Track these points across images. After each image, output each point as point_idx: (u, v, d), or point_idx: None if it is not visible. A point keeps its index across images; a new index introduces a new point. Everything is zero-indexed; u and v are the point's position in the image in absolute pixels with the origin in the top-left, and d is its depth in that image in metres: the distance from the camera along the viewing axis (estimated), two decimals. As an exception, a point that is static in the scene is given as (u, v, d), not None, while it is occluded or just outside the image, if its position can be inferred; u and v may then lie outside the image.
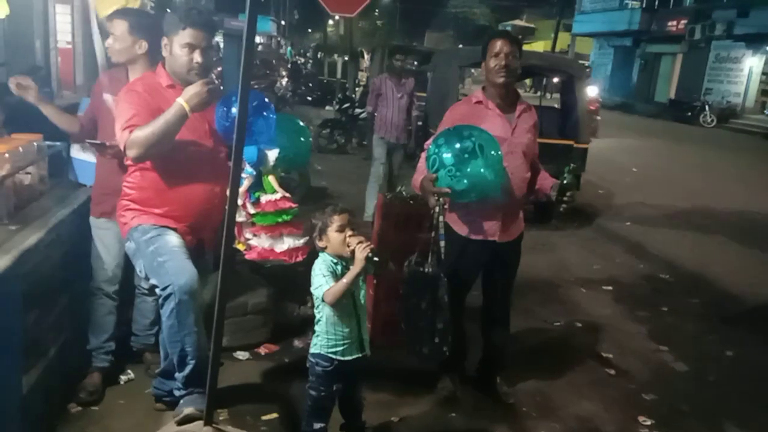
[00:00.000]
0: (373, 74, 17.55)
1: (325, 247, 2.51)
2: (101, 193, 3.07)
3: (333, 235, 2.48)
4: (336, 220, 2.47)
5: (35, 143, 3.05)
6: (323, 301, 2.47)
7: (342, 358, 2.55)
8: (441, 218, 2.88)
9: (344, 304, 2.50)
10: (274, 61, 19.49)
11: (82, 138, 3.13)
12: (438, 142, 2.81)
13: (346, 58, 17.75)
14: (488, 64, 3.04)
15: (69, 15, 4.92)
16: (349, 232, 2.48)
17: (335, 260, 2.52)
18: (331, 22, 29.46)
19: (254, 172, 2.65)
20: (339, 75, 16.40)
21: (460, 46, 13.89)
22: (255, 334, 3.76)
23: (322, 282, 2.47)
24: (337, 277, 2.48)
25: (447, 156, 2.75)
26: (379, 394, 3.24)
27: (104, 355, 3.17)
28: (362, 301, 2.60)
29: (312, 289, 2.51)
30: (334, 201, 6.65)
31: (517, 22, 32.67)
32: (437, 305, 2.88)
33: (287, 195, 2.68)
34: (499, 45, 3.01)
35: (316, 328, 2.57)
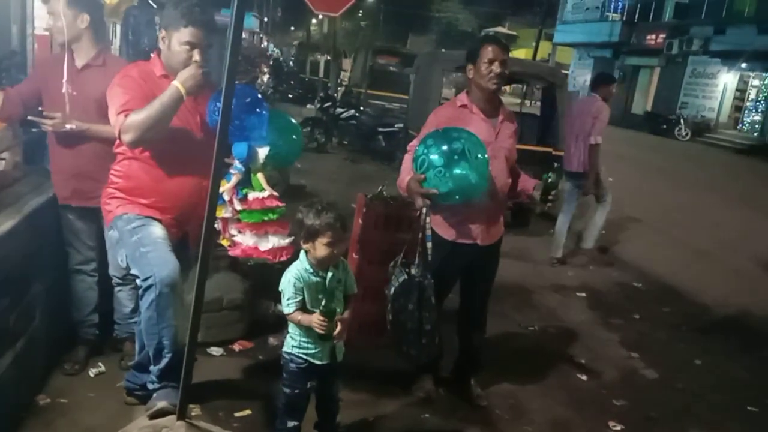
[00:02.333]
0: (355, 74, 17.54)
1: (307, 250, 2.46)
2: (59, 178, 3.07)
3: (320, 247, 2.41)
4: (329, 236, 2.39)
5: (10, 129, 3.00)
6: None
7: (312, 361, 2.54)
8: (428, 219, 2.89)
9: None
10: (255, 58, 19.39)
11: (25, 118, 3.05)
12: (427, 143, 2.81)
13: (329, 58, 17.71)
14: (480, 70, 3.03)
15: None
16: (336, 250, 2.43)
17: (311, 270, 2.46)
18: (314, 20, 29.40)
19: (243, 169, 2.63)
20: (321, 74, 16.34)
21: (443, 50, 13.94)
22: (230, 330, 3.73)
23: (287, 301, 2.46)
24: (304, 292, 2.45)
25: (435, 157, 2.75)
26: (355, 394, 3.23)
27: (88, 328, 3.26)
28: (339, 312, 2.55)
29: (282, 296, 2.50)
30: (315, 200, 6.62)
31: (500, 29, 32.89)
32: (424, 307, 2.89)
33: (275, 194, 2.66)
34: (493, 51, 3.01)
35: (290, 328, 2.56)
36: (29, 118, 2.96)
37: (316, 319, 2.39)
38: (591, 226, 6.65)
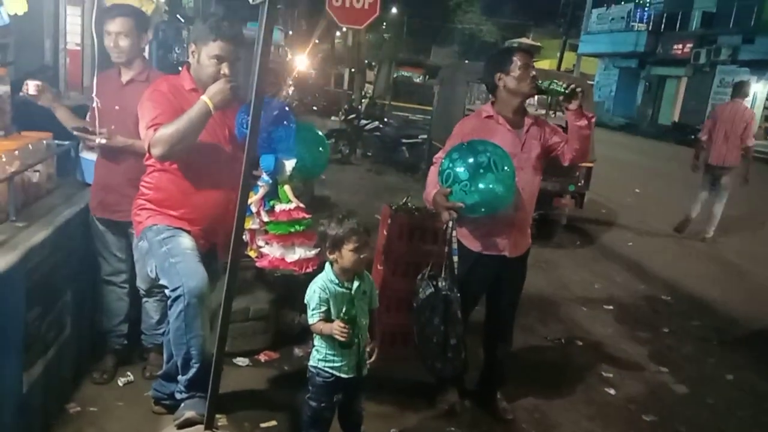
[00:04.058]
0: (379, 86, 17.63)
1: (335, 260, 2.49)
2: (93, 189, 3.15)
3: (347, 254, 2.44)
4: (354, 241, 2.42)
5: (44, 141, 3.07)
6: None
7: (338, 375, 2.54)
8: (454, 233, 2.89)
9: None
10: (280, 71, 19.58)
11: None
12: (452, 157, 2.81)
13: (353, 70, 17.83)
14: (515, 74, 3.03)
15: (79, 17, 4.95)
16: (363, 255, 2.45)
17: (337, 281, 2.48)
18: (338, 33, 29.62)
19: (270, 181, 2.66)
20: (345, 86, 16.46)
21: (466, 61, 13.98)
22: (256, 340, 3.75)
23: (312, 311, 2.48)
24: (329, 303, 2.46)
25: (461, 171, 2.75)
26: (380, 406, 3.23)
27: (116, 338, 3.32)
28: (364, 324, 2.57)
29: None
30: (335, 210, 6.65)
31: (524, 39, 32.76)
32: (450, 321, 2.88)
33: (301, 205, 2.68)
34: (526, 57, 3.05)
35: (315, 341, 2.57)
36: (75, 133, 3.03)
37: (336, 326, 2.41)
38: (713, 215, 7.91)
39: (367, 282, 2.59)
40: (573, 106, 2.93)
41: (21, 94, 2.98)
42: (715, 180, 7.77)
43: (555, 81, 2.96)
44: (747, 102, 8.47)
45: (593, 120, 3.02)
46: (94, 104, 3.02)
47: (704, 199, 7.93)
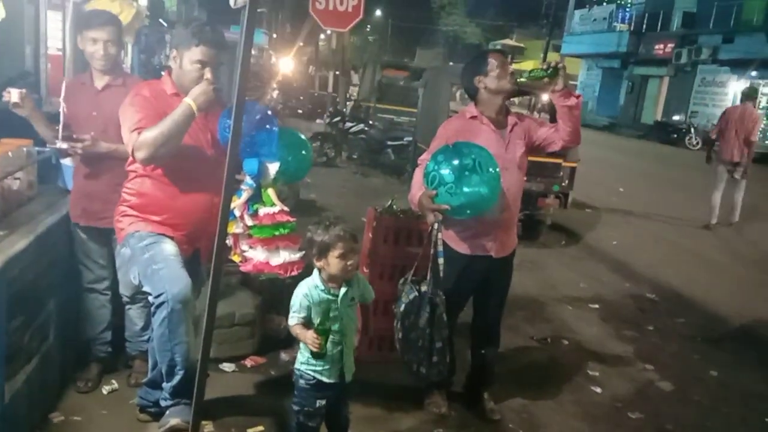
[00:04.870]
0: (364, 89, 17.63)
1: (322, 267, 2.47)
2: (73, 197, 3.13)
3: (333, 261, 2.42)
4: (340, 247, 2.40)
5: (25, 149, 3.04)
6: None
7: (320, 378, 2.53)
8: (439, 235, 2.89)
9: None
10: (264, 74, 19.52)
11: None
12: (437, 159, 2.82)
13: (337, 73, 17.80)
14: (495, 75, 3.06)
15: (60, 22, 4.90)
16: (350, 262, 2.44)
17: (323, 287, 2.47)
18: (322, 36, 29.59)
19: (254, 185, 2.64)
20: (330, 89, 16.43)
21: (451, 63, 14.00)
22: (241, 345, 3.73)
23: (292, 313, 2.48)
24: (311, 311, 2.45)
25: (446, 173, 2.75)
26: (367, 409, 3.22)
27: (100, 345, 3.29)
28: (351, 327, 2.56)
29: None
30: (322, 214, 6.64)
31: (507, 41, 32.93)
32: (436, 324, 2.88)
33: (285, 209, 2.67)
34: (500, 56, 3.11)
35: (300, 344, 2.55)
36: (58, 143, 2.97)
37: (310, 336, 2.41)
38: (736, 203, 8.84)
39: (356, 287, 2.56)
40: (559, 85, 2.92)
41: (4, 100, 2.94)
42: (729, 174, 8.67)
43: (534, 69, 2.98)
44: (734, 100, 9.96)
45: (581, 99, 3.03)
46: (60, 109, 2.97)
47: (721, 191, 8.70)
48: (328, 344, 2.44)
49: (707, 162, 9.27)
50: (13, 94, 2.89)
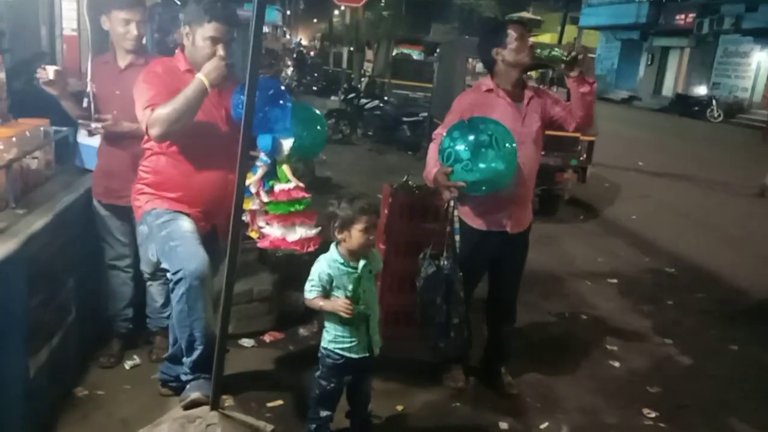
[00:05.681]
0: (378, 65, 17.51)
1: (343, 240, 2.49)
2: (96, 175, 3.15)
3: (356, 234, 2.44)
4: (364, 221, 2.43)
5: (42, 128, 3.06)
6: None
7: (349, 355, 2.55)
8: (455, 211, 2.88)
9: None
10: (279, 51, 19.47)
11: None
12: (453, 136, 2.78)
13: (352, 49, 17.68)
14: (513, 48, 3.01)
15: (75, 2, 4.91)
16: (371, 236, 2.46)
17: (342, 261, 2.49)
18: (336, 12, 29.34)
19: (269, 161, 2.64)
20: (344, 65, 16.33)
21: (466, 37, 13.83)
22: (260, 321, 3.77)
23: (310, 286, 2.49)
24: (327, 286, 2.47)
25: (462, 149, 2.72)
26: (386, 384, 3.24)
27: (122, 321, 3.33)
28: (374, 300, 2.58)
29: None
30: (338, 191, 6.65)
31: (524, 14, 32.38)
32: (452, 300, 2.88)
33: (300, 185, 2.67)
34: (520, 28, 3.04)
35: (325, 322, 2.58)
36: (80, 122, 3.01)
37: (342, 303, 2.42)
38: None
39: (373, 260, 2.59)
40: (574, 73, 2.90)
41: (38, 78, 2.93)
42: None
43: (556, 48, 2.93)
44: (758, 71, 9.87)
45: (594, 86, 3.00)
46: (89, 89, 2.99)
47: None
48: (356, 320, 2.48)
49: (763, 140, 9.36)
50: (50, 71, 2.90)
